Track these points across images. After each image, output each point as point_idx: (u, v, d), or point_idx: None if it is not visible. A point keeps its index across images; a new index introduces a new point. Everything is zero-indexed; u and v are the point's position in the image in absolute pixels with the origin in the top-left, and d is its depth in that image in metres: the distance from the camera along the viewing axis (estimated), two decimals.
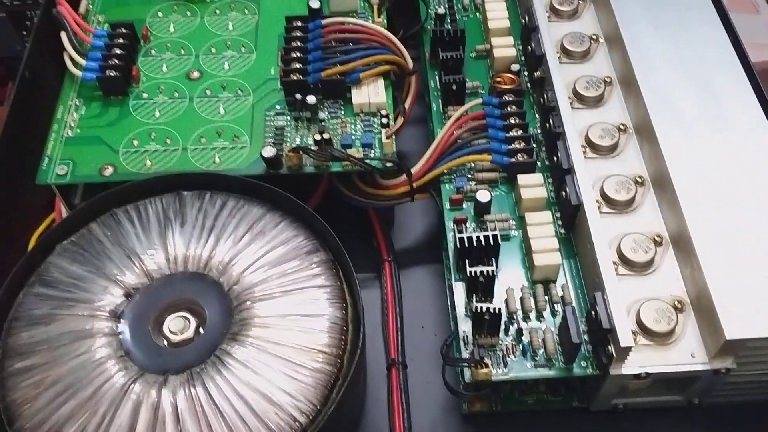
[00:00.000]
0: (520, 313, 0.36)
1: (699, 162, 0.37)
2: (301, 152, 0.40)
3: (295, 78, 0.42)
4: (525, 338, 0.35)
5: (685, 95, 0.40)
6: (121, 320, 0.34)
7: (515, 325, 0.36)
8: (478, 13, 0.49)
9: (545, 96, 0.41)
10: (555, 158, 0.39)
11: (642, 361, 0.34)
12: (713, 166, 0.37)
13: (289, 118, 0.42)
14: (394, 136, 0.41)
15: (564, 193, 0.38)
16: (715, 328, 0.33)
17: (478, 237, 0.36)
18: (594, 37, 0.45)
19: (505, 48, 0.45)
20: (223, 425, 0.31)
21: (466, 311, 0.36)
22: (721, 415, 0.37)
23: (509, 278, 0.37)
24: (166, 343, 0.34)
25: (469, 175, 0.41)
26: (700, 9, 0.45)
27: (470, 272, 0.35)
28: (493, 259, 0.36)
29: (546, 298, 0.36)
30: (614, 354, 0.33)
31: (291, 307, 0.34)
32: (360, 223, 0.45)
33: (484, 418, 0.38)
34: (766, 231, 0.35)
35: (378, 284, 0.43)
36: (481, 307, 0.34)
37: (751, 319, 0.32)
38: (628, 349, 0.32)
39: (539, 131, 0.42)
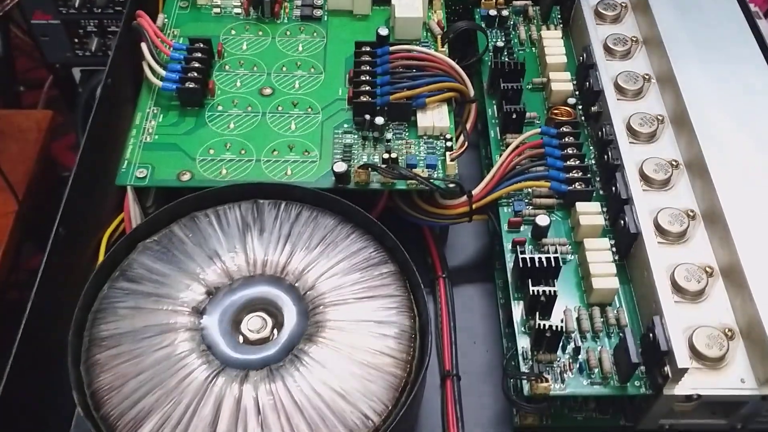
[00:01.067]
0: (577, 333, 0.38)
1: (750, 197, 0.39)
2: (369, 169, 0.42)
3: (364, 99, 0.44)
4: (582, 356, 0.37)
5: (735, 132, 0.42)
6: (203, 316, 0.36)
7: (572, 344, 0.38)
8: (533, 48, 0.51)
9: (603, 129, 0.43)
10: (613, 188, 0.41)
11: (694, 383, 0.35)
12: (763, 200, 0.39)
13: (356, 136, 0.45)
14: (456, 160, 0.44)
15: (622, 222, 0.40)
16: (764, 354, 0.35)
17: (540, 258, 0.38)
18: (646, 76, 0.48)
19: (562, 82, 0.47)
20: (302, 420, 0.32)
21: (524, 329, 0.38)
22: None
23: (566, 300, 0.39)
24: (243, 340, 0.36)
25: (527, 200, 0.43)
26: (746, 46, 0.47)
27: (533, 291, 0.37)
28: (554, 280, 0.38)
29: (602, 320, 0.38)
30: (670, 375, 0.34)
31: (363, 314, 0.36)
32: (414, 240, 0.47)
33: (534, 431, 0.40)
34: None
35: (432, 299, 0.45)
36: (543, 324, 0.36)
37: None
38: (685, 370, 0.34)
39: (594, 162, 0.45)
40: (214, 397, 0.33)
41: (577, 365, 0.37)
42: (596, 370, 0.37)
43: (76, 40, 0.82)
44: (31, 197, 0.84)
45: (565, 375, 0.37)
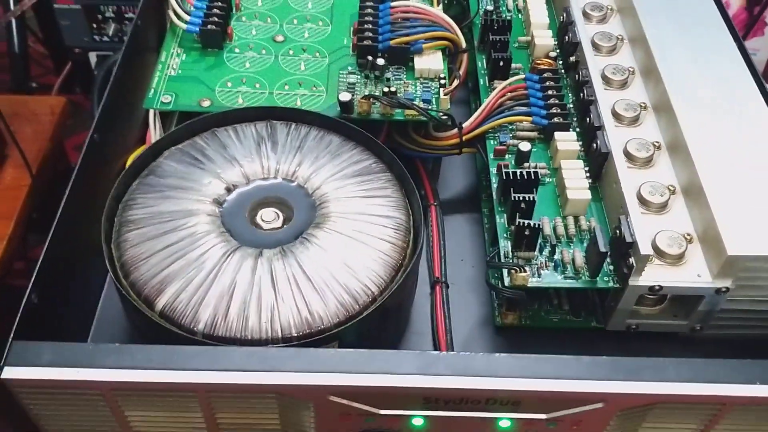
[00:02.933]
0: (553, 237, 0.42)
1: (708, 128, 0.44)
2: (371, 99, 0.47)
3: (367, 43, 0.50)
4: (557, 256, 0.42)
5: (698, 78, 0.47)
6: (223, 206, 0.40)
7: (548, 246, 0.42)
8: (520, 15, 0.57)
9: (580, 73, 0.49)
10: (587, 119, 0.46)
11: (656, 277, 0.40)
12: (721, 130, 0.44)
13: (359, 76, 0.50)
14: (449, 96, 0.49)
15: (594, 146, 0.45)
16: (718, 255, 0.39)
17: (521, 172, 0.43)
18: (620, 36, 0.53)
19: (544, 38, 0.53)
20: (310, 287, 0.37)
21: (506, 234, 0.43)
22: (719, 345, 0.43)
23: (543, 213, 0.44)
24: (257, 229, 0.40)
25: (512, 134, 0.48)
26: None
27: (514, 197, 0.42)
28: (534, 189, 0.43)
29: (576, 227, 0.43)
30: (634, 264, 0.39)
31: (365, 208, 0.40)
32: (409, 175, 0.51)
33: (513, 331, 0.44)
34: (759, 151, 0.42)
35: (424, 224, 0.49)
36: (523, 223, 0.41)
37: (750, 240, 0.39)
38: (647, 257, 0.39)
39: (572, 106, 0.50)
40: (232, 267, 0.37)
41: (553, 263, 0.42)
42: (569, 267, 0.41)
43: (95, 26, 0.88)
44: (44, 174, 0.89)
45: (541, 271, 0.41)
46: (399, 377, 0.33)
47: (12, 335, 0.33)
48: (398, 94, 0.48)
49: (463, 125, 0.48)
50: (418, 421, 0.35)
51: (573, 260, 0.41)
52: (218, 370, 0.32)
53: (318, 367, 0.33)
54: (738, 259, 0.39)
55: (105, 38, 0.88)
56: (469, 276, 0.47)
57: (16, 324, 0.34)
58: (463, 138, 0.48)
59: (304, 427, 0.36)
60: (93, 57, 0.92)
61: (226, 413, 0.34)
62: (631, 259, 0.39)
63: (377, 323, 0.38)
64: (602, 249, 0.39)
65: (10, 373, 0.32)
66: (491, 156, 0.47)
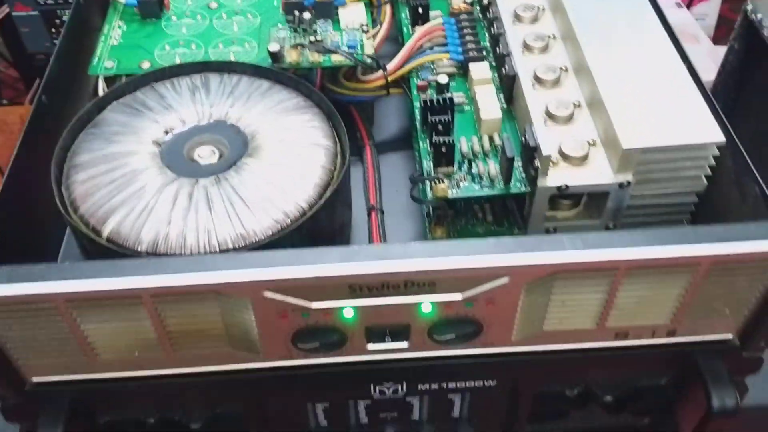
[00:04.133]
0: (470, 154, 0.46)
1: (608, 50, 0.48)
2: (299, 48, 0.51)
3: (294, 0, 0.54)
4: (474, 170, 0.46)
5: (605, 11, 0.52)
6: (161, 146, 0.44)
7: (466, 163, 0.46)
8: None
9: (491, 10, 0.53)
10: (497, 48, 0.50)
11: (562, 178, 0.44)
12: (620, 53, 0.48)
13: (289, 31, 0.54)
14: (372, 39, 0.53)
15: (504, 70, 0.49)
16: (616, 146, 0.43)
17: (437, 98, 0.47)
18: None
19: None
20: (244, 205, 0.40)
21: (427, 156, 0.47)
22: None
23: (462, 140, 0.48)
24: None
25: (432, 71, 0.52)
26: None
27: (431, 120, 0.46)
28: (449, 112, 0.47)
29: (491, 145, 0.47)
30: (539, 165, 0.43)
31: (294, 138, 0.44)
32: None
33: None
34: (652, 69, 0.46)
35: (360, 167, 0.53)
36: (440, 140, 0.44)
37: (642, 135, 0.42)
38: (548, 158, 0.42)
39: (488, 45, 0.54)
40: (170, 195, 0.41)
41: (470, 176, 0.45)
42: (485, 177, 0.45)
43: (53, 30, 0.91)
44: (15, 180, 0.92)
45: (460, 183, 0.45)
46: (325, 266, 0.36)
47: None
48: (325, 42, 0.52)
49: (388, 66, 0.52)
50: (348, 313, 0.38)
51: (488, 172, 0.45)
52: (159, 274, 0.36)
53: (252, 265, 0.36)
54: (632, 152, 0.42)
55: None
56: (403, 204, 0.51)
57: None
58: (389, 79, 0.52)
59: (248, 331, 0.39)
60: None
61: (172, 320, 0.38)
62: (537, 161, 0.43)
63: (309, 238, 0.41)
64: (509, 154, 0.43)
65: None
66: (414, 92, 0.51)
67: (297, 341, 0.40)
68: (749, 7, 0.90)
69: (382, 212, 0.49)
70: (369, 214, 0.49)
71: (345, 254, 0.37)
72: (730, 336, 0.43)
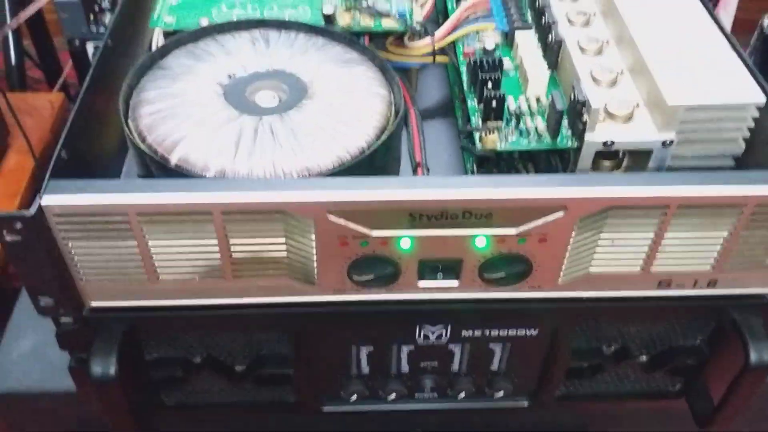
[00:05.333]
0: (518, 111, 0.48)
1: (651, 21, 0.51)
2: (352, 11, 0.53)
3: None
4: (521, 125, 0.47)
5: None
6: (224, 87, 0.45)
7: (513, 120, 0.48)
8: None
9: None
10: (542, 19, 0.52)
11: (608, 134, 0.45)
12: (662, 24, 0.51)
13: (339, 1, 0.56)
14: (420, 9, 0.55)
15: (550, 38, 0.51)
16: (660, 105, 0.45)
17: (485, 58, 0.49)
18: None
19: None
20: (306, 138, 0.42)
21: (477, 113, 0.48)
22: None
23: (510, 99, 0.50)
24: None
25: (477, 40, 0.54)
26: None
27: (481, 77, 0.48)
28: (498, 70, 0.48)
29: (537, 105, 0.49)
30: (587, 119, 0.44)
31: (352, 85, 0.46)
32: None
33: None
34: (691, 37, 0.48)
35: (405, 125, 0.55)
36: (490, 94, 0.46)
37: (686, 93, 0.44)
38: (597, 111, 0.44)
39: (531, 20, 0.56)
40: (236, 127, 0.42)
41: (518, 131, 0.47)
42: (533, 132, 0.47)
43: (92, 16, 0.94)
44: (44, 161, 0.94)
45: (508, 137, 0.47)
46: (388, 191, 0.38)
47: (47, 177, 0.38)
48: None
49: (435, 35, 0.54)
50: (405, 243, 0.40)
51: (535, 127, 0.47)
52: (231, 191, 0.37)
53: (317, 187, 0.38)
54: (677, 109, 0.44)
55: (102, 28, 0.95)
56: (446, 162, 0.52)
57: (50, 170, 0.38)
58: (435, 46, 0.54)
59: (308, 257, 0.40)
60: (90, 48, 0.98)
61: (238, 238, 0.39)
62: (585, 116, 0.45)
63: (366, 173, 0.43)
64: (559, 107, 0.45)
65: (49, 200, 0.37)
66: (461, 58, 0.53)
67: (353, 272, 0.41)
68: (765, 22, 0.93)
69: (428, 169, 0.51)
70: (414, 171, 0.51)
71: (407, 182, 0.38)
72: (767, 290, 0.44)
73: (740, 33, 0.99)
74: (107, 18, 0.94)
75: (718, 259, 0.42)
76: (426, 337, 0.46)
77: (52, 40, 1.29)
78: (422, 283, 0.43)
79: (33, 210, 0.36)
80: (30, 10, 1.10)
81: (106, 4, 0.93)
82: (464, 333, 0.46)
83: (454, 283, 0.43)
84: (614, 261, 0.42)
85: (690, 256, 0.42)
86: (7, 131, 0.97)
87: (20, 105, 1.01)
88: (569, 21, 0.54)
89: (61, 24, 0.95)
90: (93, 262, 0.40)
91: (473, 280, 0.42)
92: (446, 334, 0.46)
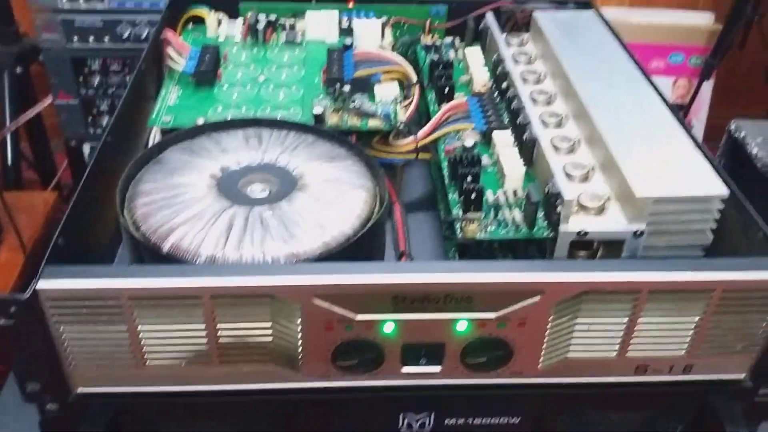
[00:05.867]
0: (496, 204, 0.51)
1: (619, 119, 0.54)
2: (341, 112, 0.56)
3: (335, 75, 0.60)
4: (500, 216, 0.50)
5: (611, 90, 0.58)
6: (218, 180, 0.48)
7: (492, 211, 0.50)
8: (460, 64, 0.68)
9: (509, 91, 0.59)
10: (517, 122, 0.56)
11: (582, 224, 0.48)
12: (630, 121, 0.54)
13: (329, 101, 0.59)
14: (404, 110, 0.58)
15: (525, 137, 0.54)
16: (630, 198, 0.47)
17: (465, 154, 0.52)
18: (544, 72, 0.65)
19: (482, 72, 0.64)
20: (295, 227, 0.44)
21: (458, 205, 0.51)
22: None
23: (488, 192, 0.52)
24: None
25: (457, 139, 0.58)
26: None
27: (461, 171, 0.50)
28: (477, 166, 0.51)
29: (514, 198, 0.51)
30: (561, 209, 0.47)
31: (339, 177, 0.49)
32: None
33: None
34: (657, 136, 0.51)
35: (390, 223, 0.57)
36: (470, 187, 0.49)
37: (653, 186, 0.47)
38: (571, 202, 0.47)
39: (507, 120, 0.60)
40: (227, 217, 0.44)
41: (497, 222, 0.49)
42: (510, 223, 0.49)
43: (90, 118, 0.98)
44: (35, 257, 0.96)
45: (488, 227, 0.49)
46: (372, 275, 0.39)
47: (43, 263, 0.39)
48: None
49: (418, 134, 0.57)
50: (389, 327, 0.41)
51: (513, 218, 0.49)
52: (220, 276, 0.39)
53: (304, 272, 0.39)
54: (646, 201, 0.47)
55: (99, 130, 0.98)
56: (429, 252, 0.54)
57: (46, 256, 0.40)
58: (418, 143, 0.57)
59: (293, 342, 0.41)
60: (86, 149, 1.02)
61: (225, 323, 0.40)
62: (559, 208, 0.47)
63: (352, 260, 0.44)
64: (534, 199, 0.47)
65: (44, 284, 0.38)
66: (442, 155, 0.56)
67: (337, 357, 0.42)
68: (732, 127, 0.99)
69: (412, 258, 0.53)
70: (398, 260, 0.52)
71: (391, 266, 0.40)
72: (742, 376, 0.45)
73: (712, 139, 1.04)
74: (105, 120, 0.98)
75: (692, 344, 0.43)
76: (409, 425, 0.46)
77: (49, 143, 1.33)
78: (405, 369, 0.43)
79: (28, 294, 0.38)
80: (29, 114, 1.15)
81: (104, 107, 0.97)
82: (447, 422, 0.46)
83: (437, 368, 0.43)
84: (592, 346, 0.43)
85: (664, 341, 0.43)
86: (1, 227, 0.98)
87: (15, 203, 1.03)
88: (543, 122, 0.57)
89: (60, 125, 0.99)
90: (83, 347, 0.40)
91: (456, 365, 0.43)
92: (429, 423, 0.46)
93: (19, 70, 1.16)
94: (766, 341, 0.44)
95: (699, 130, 1.54)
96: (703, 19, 1.59)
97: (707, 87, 1.56)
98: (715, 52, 1.49)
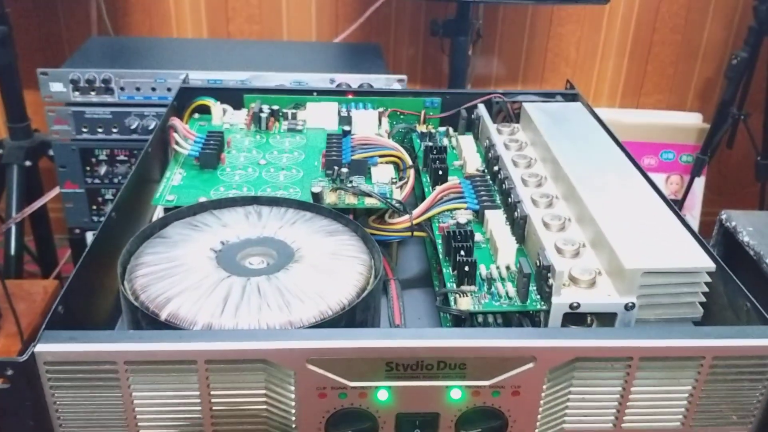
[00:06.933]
0: (490, 275, 0.51)
1: (604, 198, 0.56)
2: (339, 191, 0.58)
3: (333, 158, 0.62)
4: (493, 289, 0.50)
5: (597, 173, 0.60)
6: (217, 253, 0.49)
7: (485, 285, 0.51)
8: (454, 150, 0.71)
9: (501, 173, 0.61)
10: (508, 200, 0.58)
11: (574, 297, 0.48)
12: (616, 202, 0.56)
13: (328, 182, 0.62)
14: (401, 190, 0.60)
15: (516, 214, 0.56)
16: (620, 271, 0.48)
17: (458, 230, 0.53)
18: (533, 158, 0.67)
19: (474, 157, 0.66)
20: (292, 296, 0.45)
21: (452, 279, 0.52)
22: None
23: (482, 267, 0.53)
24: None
25: (451, 218, 0.59)
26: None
27: (454, 245, 0.52)
28: (470, 240, 0.53)
29: (507, 272, 0.52)
30: (553, 281, 0.48)
31: (336, 250, 0.50)
32: None
33: None
34: (644, 214, 0.53)
35: (385, 294, 0.58)
36: (463, 259, 0.50)
37: (642, 258, 0.48)
38: (562, 273, 0.48)
39: (498, 201, 0.62)
40: (225, 287, 0.45)
41: (490, 295, 0.50)
42: (504, 296, 0.50)
43: (94, 207, 1.00)
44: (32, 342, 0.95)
45: (481, 300, 0.50)
46: (365, 341, 0.40)
47: (42, 328, 0.40)
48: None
49: (413, 212, 0.59)
50: (383, 395, 0.41)
51: (506, 292, 0.50)
52: (215, 341, 0.39)
53: (298, 338, 0.40)
54: (635, 273, 0.48)
55: (102, 218, 1.00)
56: (424, 326, 0.55)
57: (45, 323, 0.41)
58: (413, 222, 0.59)
59: (287, 410, 0.41)
60: (89, 236, 1.03)
61: (220, 390, 0.40)
62: (551, 280, 0.48)
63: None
64: (526, 271, 0.48)
65: (42, 348, 0.38)
66: (437, 232, 0.58)
67: (331, 427, 0.42)
68: (723, 217, 1.01)
69: None
70: None
71: (383, 333, 0.41)
72: None
73: (706, 235, 1.06)
74: (108, 209, 1.00)
75: (687, 415, 0.43)
76: None
77: (52, 236, 1.35)
78: None
79: (26, 356, 0.38)
80: (37, 204, 1.17)
81: (109, 196, 1.00)
82: None
83: None
84: (586, 417, 0.43)
85: (658, 412, 0.43)
86: (0, 314, 0.99)
87: (15, 290, 1.04)
88: (534, 201, 0.59)
89: (64, 213, 1.01)
90: (76, 413, 0.40)
91: None
92: None
93: (28, 163, 1.20)
94: (761, 412, 0.44)
95: (694, 226, 1.56)
96: (691, 119, 1.65)
97: (699, 183, 1.60)
98: (705, 149, 1.54)
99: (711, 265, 0.48)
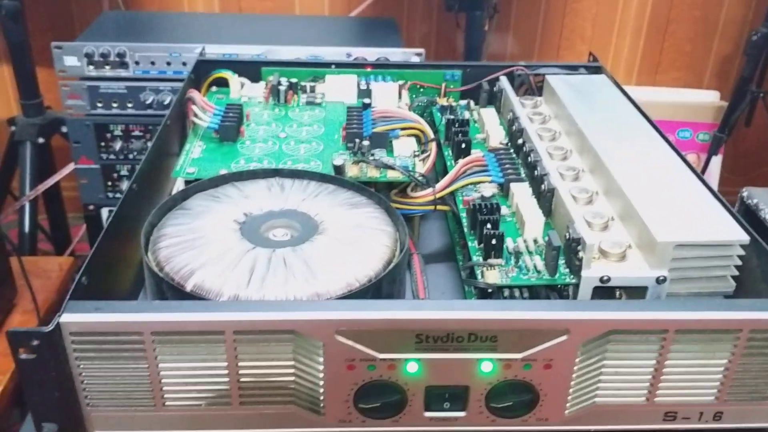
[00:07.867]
0: (517, 248, 0.51)
1: (634, 172, 0.55)
2: (361, 164, 0.57)
3: (354, 130, 0.61)
4: (521, 262, 0.50)
5: (625, 144, 0.59)
6: (241, 224, 0.48)
7: (513, 258, 0.50)
8: (476, 123, 0.70)
9: (525, 146, 0.60)
10: (535, 173, 0.57)
11: (604, 270, 0.48)
12: (648, 176, 0.55)
13: (349, 155, 0.61)
14: (423, 163, 0.59)
15: (543, 187, 0.55)
16: (650, 244, 0.47)
17: (484, 203, 0.52)
18: (558, 131, 0.66)
19: (497, 130, 0.65)
20: (318, 267, 0.44)
21: (478, 253, 0.51)
22: None
23: (508, 240, 0.52)
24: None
25: (475, 191, 0.58)
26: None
27: (480, 218, 0.51)
28: (497, 213, 0.52)
29: (534, 245, 0.51)
30: (583, 254, 0.47)
31: (361, 223, 0.49)
32: None
33: None
34: (674, 186, 0.52)
35: (408, 269, 0.57)
36: (489, 232, 0.49)
37: (673, 231, 0.47)
38: (593, 246, 0.47)
39: (523, 174, 0.60)
40: (250, 258, 0.45)
41: (518, 268, 0.49)
42: (532, 269, 0.49)
43: (110, 183, 1.00)
44: (47, 321, 0.95)
45: (509, 274, 0.49)
46: (395, 312, 0.39)
47: (67, 299, 0.39)
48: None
49: (436, 186, 0.58)
50: (412, 367, 0.40)
51: (534, 265, 0.49)
52: (243, 311, 0.38)
53: (326, 308, 0.39)
54: (667, 246, 0.47)
55: (118, 194, 1.00)
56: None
57: (69, 293, 0.40)
58: (436, 195, 0.58)
59: (315, 381, 0.41)
60: (104, 213, 1.03)
61: (247, 361, 0.39)
62: (581, 253, 0.47)
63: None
64: (555, 244, 0.47)
65: (67, 318, 0.38)
66: (461, 206, 0.57)
67: (359, 400, 0.41)
68: (745, 194, 0.99)
69: None
70: None
71: (414, 304, 0.40)
72: None
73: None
74: (124, 185, 1.00)
75: (721, 389, 0.42)
76: None
77: (65, 215, 1.35)
78: (429, 414, 0.42)
79: (51, 326, 0.38)
80: (51, 180, 1.17)
81: (124, 172, 0.99)
82: None
83: (461, 414, 0.42)
84: (619, 390, 0.42)
85: (692, 386, 0.42)
86: (16, 291, 0.98)
87: (30, 267, 1.04)
88: (560, 174, 0.58)
89: (79, 190, 1.01)
90: (102, 385, 0.40)
91: (480, 410, 0.42)
92: None
93: (41, 140, 1.19)
94: None
95: None
96: (708, 98, 1.63)
97: (716, 162, 1.58)
98: (723, 127, 1.51)
99: (745, 237, 0.47)
